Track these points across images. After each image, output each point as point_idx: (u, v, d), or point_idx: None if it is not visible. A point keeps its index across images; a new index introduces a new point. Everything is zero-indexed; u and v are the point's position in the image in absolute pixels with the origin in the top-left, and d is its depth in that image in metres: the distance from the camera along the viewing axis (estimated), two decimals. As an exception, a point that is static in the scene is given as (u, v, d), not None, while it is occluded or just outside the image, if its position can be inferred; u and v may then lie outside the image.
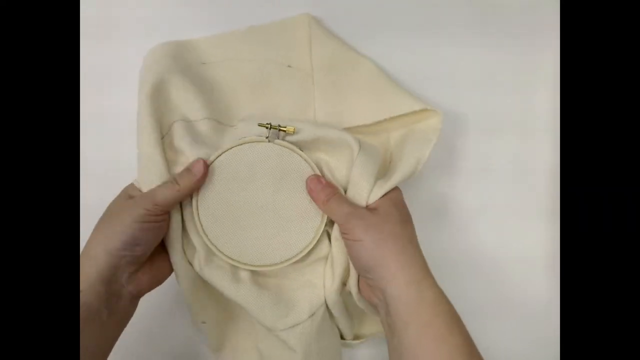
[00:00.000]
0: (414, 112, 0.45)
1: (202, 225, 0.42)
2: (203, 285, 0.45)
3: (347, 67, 0.50)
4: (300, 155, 0.43)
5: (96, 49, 0.51)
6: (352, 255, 0.40)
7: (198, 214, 0.42)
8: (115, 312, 0.38)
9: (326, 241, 0.45)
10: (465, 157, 0.52)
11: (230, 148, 0.42)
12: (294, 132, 0.43)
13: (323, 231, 0.43)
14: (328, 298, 0.43)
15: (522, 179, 0.51)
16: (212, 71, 0.49)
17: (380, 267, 0.37)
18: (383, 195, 0.41)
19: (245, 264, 0.43)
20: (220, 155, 0.42)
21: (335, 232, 0.43)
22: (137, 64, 0.47)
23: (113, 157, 0.50)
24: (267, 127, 0.42)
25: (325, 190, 0.41)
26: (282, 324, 0.41)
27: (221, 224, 0.42)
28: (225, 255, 0.42)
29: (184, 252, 0.42)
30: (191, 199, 0.42)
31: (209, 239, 0.42)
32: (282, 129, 0.43)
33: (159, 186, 0.40)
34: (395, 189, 0.42)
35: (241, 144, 0.42)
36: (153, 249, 0.40)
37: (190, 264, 0.43)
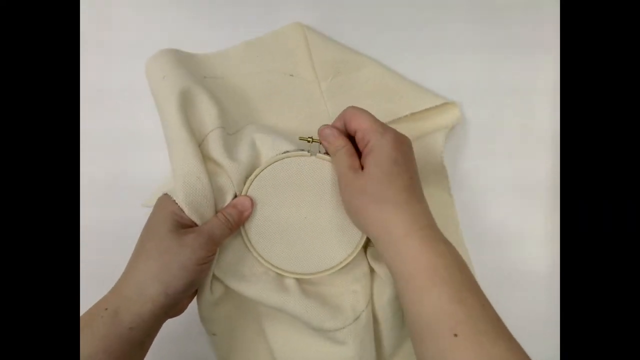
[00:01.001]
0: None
1: (248, 238, 0.43)
2: (218, 299, 0.44)
3: (351, 69, 0.50)
4: None
5: (96, 54, 0.51)
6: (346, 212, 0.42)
7: (244, 226, 0.42)
8: (153, 336, 0.38)
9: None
10: (465, 159, 0.52)
11: (274, 162, 0.42)
12: None
13: (364, 242, 0.43)
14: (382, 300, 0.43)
15: (522, 181, 0.51)
16: (215, 85, 0.49)
17: (363, 229, 0.39)
18: (370, 152, 0.38)
19: (290, 272, 0.43)
20: (264, 168, 0.42)
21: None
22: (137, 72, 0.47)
23: (113, 162, 0.50)
24: (308, 141, 0.43)
25: (336, 142, 0.40)
26: (329, 326, 0.41)
27: (266, 235, 0.43)
28: (272, 265, 0.43)
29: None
30: None
31: (255, 250, 0.43)
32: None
33: (213, 224, 0.39)
34: (387, 139, 0.37)
35: (284, 158, 0.42)
36: None
37: (220, 280, 0.42)
